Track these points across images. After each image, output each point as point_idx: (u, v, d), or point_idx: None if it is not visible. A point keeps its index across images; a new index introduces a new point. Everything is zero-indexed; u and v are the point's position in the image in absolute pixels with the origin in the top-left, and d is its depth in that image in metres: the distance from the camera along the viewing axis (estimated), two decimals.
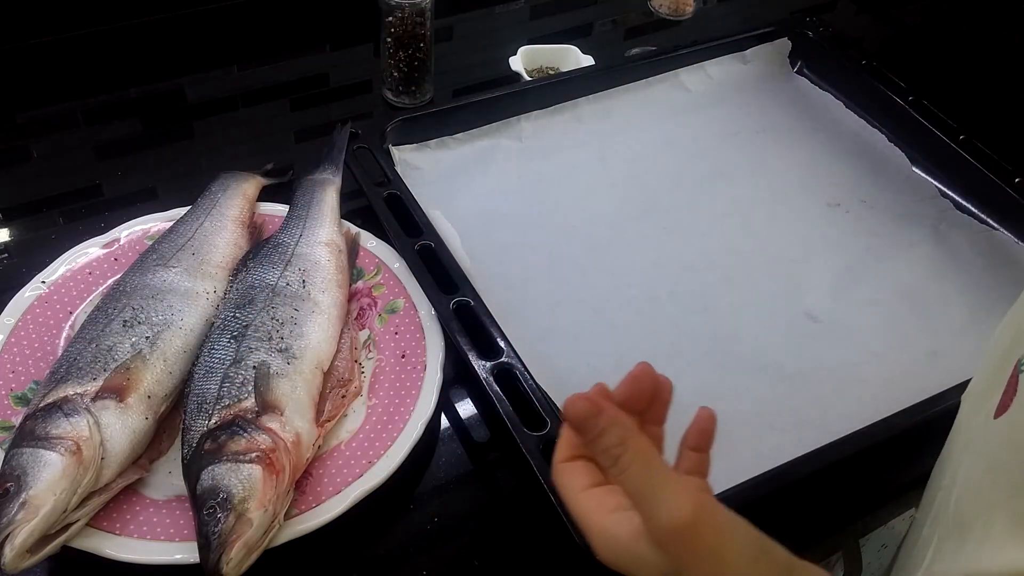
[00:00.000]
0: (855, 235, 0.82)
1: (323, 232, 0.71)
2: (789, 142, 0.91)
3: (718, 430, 0.65)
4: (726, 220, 0.82)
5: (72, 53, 0.89)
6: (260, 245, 0.70)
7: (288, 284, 0.66)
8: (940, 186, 0.86)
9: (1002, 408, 0.42)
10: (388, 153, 0.82)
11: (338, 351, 0.65)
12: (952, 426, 0.51)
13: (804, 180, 0.87)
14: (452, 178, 0.83)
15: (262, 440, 0.55)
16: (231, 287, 0.67)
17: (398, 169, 0.80)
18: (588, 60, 0.93)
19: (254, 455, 0.54)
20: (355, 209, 0.77)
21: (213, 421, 0.57)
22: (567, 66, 0.93)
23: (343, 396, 0.63)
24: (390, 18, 0.86)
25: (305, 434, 0.58)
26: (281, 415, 0.57)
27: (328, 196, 0.75)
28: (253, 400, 0.58)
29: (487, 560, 0.58)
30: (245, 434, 0.55)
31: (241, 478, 0.53)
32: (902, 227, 0.82)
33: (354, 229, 0.74)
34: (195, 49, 0.94)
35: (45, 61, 0.88)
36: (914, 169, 0.87)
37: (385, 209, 0.74)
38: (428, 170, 0.83)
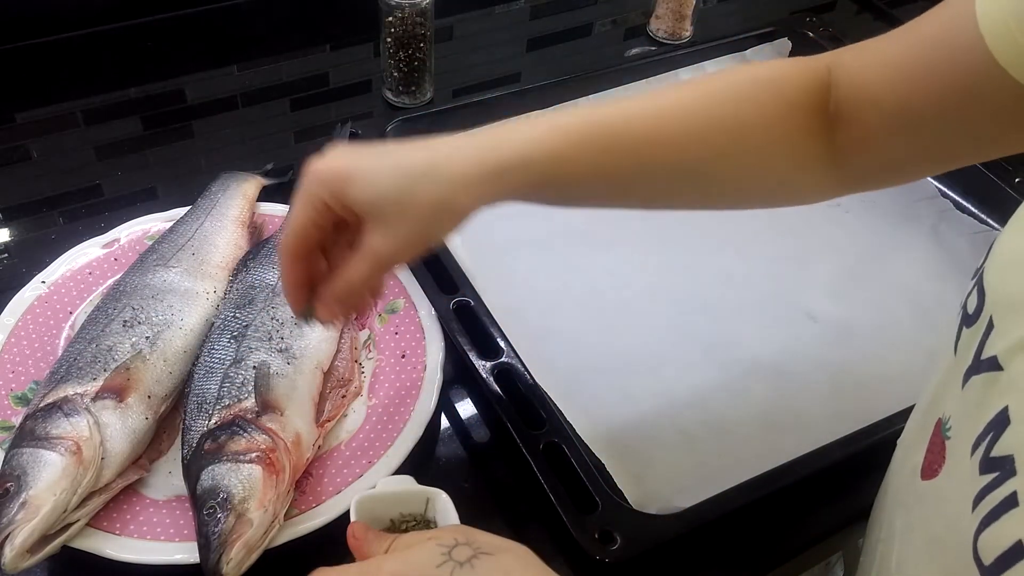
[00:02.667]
0: (855, 235, 0.81)
1: None
2: None
3: (718, 430, 0.65)
4: (726, 220, 0.82)
5: (72, 53, 0.89)
6: (260, 245, 0.70)
7: None
8: (940, 186, 0.86)
9: (929, 471, 0.41)
10: None
11: (338, 351, 0.65)
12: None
13: None
14: None
15: (262, 440, 0.55)
16: (231, 287, 0.67)
17: None
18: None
19: (254, 455, 0.54)
20: None
21: (213, 421, 0.57)
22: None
23: (343, 396, 0.63)
24: (390, 18, 0.86)
25: (305, 434, 0.58)
26: (281, 415, 0.57)
27: None
28: (253, 400, 0.58)
29: None
30: (245, 434, 0.55)
31: (241, 478, 0.53)
32: (902, 227, 0.82)
33: None
34: (195, 49, 0.94)
35: (45, 61, 0.88)
36: None
37: None
38: None
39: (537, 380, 0.62)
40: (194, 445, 0.56)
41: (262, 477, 0.53)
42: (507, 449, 0.59)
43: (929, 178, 0.86)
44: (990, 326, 0.37)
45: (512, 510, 0.61)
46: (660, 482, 0.61)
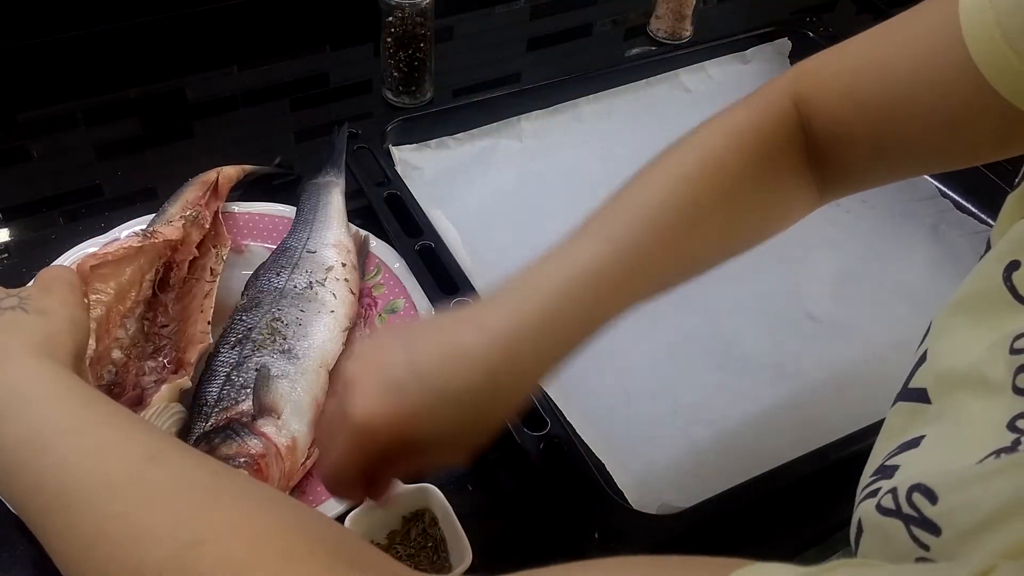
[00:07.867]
0: (855, 235, 0.81)
1: (330, 234, 0.71)
2: None
3: (718, 430, 0.65)
4: None
5: (72, 53, 0.89)
6: (273, 252, 0.70)
7: (295, 286, 0.66)
8: (940, 186, 0.86)
9: None
10: (388, 153, 0.82)
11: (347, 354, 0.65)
12: None
13: None
14: (452, 178, 0.83)
15: (253, 445, 0.55)
16: (243, 294, 0.67)
17: (398, 169, 0.80)
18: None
19: (242, 460, 0.54)
20: (355, 209, 0.77)
21: (210, 423, 0.57)
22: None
23: None
24: (390, 18, 0.86)
25: (302, 438, 0.58)
26: (278, 418, 0.57)
27: (333, 199, 0.75)
28: (250, 403, 0.58)
29: (487, 560, 0.58)
30: (238, 438, 0.55)
31: None
32: (902, 227, 0.82)
33: (363, 232, 0.74)
34: (195, 49, 0.94)
35: (45, 61, 0.88)
36: None
37: (385, 209, 0.74)
38: (428, 170, 0.83)
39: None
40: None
41: None
42: (507, 449, 0.59)
43: (929, 178, 0.86)
44: (923, 358, 0.38)
45: (513, 510, 0.61)
46: (660, 482, 0.61)
